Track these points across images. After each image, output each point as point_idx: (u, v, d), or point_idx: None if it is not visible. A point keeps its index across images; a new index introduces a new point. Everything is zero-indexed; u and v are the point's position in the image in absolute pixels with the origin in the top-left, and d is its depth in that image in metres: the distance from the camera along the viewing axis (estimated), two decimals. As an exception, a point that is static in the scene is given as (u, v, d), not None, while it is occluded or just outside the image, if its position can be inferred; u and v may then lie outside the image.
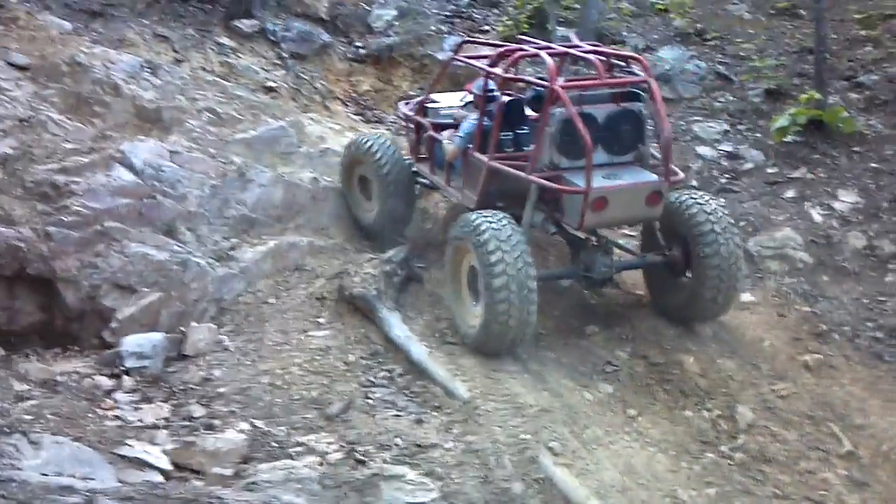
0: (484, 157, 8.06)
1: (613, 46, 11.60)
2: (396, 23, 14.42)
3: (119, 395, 7.31)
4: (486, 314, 7.52)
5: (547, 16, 13.94)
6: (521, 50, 8.37)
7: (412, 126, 9.60)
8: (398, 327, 8.10)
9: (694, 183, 10.66)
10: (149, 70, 10.96)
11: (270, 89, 12.23)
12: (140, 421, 6.95)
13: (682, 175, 8.27)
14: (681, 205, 8.14)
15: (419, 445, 6.85)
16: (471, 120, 8.44)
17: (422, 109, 9.44)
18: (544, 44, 8.81)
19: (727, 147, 11.19)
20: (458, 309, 8.12)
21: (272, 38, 13.69)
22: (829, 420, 7.85)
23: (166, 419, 7.02)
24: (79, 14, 12.47)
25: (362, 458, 6.57)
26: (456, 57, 9.37)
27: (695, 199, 8.18)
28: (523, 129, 8.43)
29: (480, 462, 6.76)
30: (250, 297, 8.77)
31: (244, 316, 8.53)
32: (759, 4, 14.25)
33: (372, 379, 7.66)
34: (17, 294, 8.20)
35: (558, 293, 8.89)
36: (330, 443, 6.79)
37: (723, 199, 9.63)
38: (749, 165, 10.89)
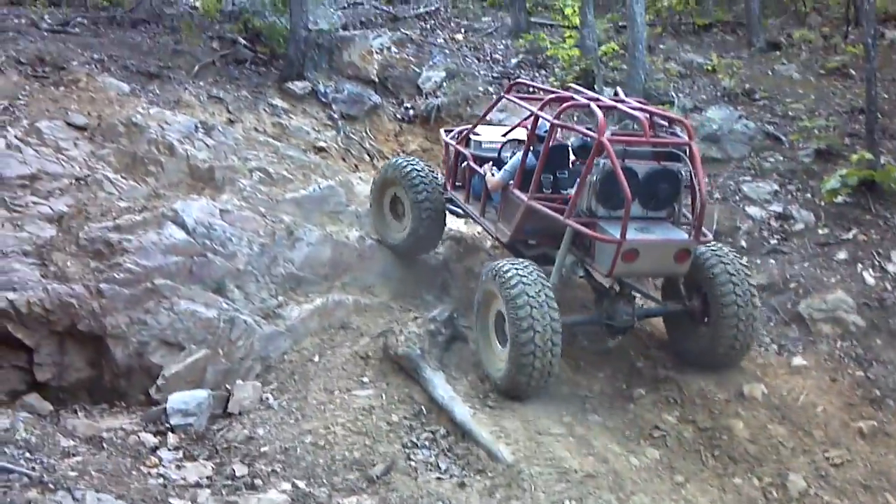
0: (524, 196, 8.32)
1: (660, 106, 11.59)
2: (445, 84, 14.66)
3: (163, 453, 7.36)
4: (511, 358, 7.75)
5: (594, 76, 14.04)
6: (573, 99, 8.58)
7: (452, 154, 9.87)
8: (442, 387, 8.05)
9: (743, 244, 10.54)
10: (203, 130, 11.25)
11: (321, 149, 12.46)
12: (183, 479, 6.97)
13: (710, 236, 8.43)
14: (700, 257, 8.37)
15: (461, 510, 6.77)
16: (517, 155, 8.73)
17: (465, 140, 9.77)
18: (593, 95, 8.95)
19: (777, 207, 11.04)
20: (485, 351, 8.32)
21: (323, 99, 14.03)
22: (885, 489, 7.57)
23: (209, 478, 7.03)
24: (137, 76, 12.90)
25: (404, 522, 6.52)
26: (507, 96, 9.59)
27: (714, 251, 8.45)
28: (563, 174, 8.66)
29: (524, 528, 6.66)
30: (295, 356, 8.81)
31: (289, 374, 8.56)
32: (809, 65, 14.22)
33: (415, 440, 7.60)
34: (67, 349, 8.33)
35: (603, 353, 8.80)
36: (371, 505, 6.74)
37: (767, 260, 9.51)
38: (800, 226, 10.73)
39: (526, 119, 9.29)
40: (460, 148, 9.68)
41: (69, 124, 10.69)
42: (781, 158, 11.89)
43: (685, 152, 7.98)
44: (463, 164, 9.65)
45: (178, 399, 7.85)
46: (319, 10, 16.99)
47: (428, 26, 18.04)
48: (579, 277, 8.90)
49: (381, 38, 16.40)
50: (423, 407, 7.99)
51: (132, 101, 11.80)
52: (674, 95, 13.33)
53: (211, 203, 9.75)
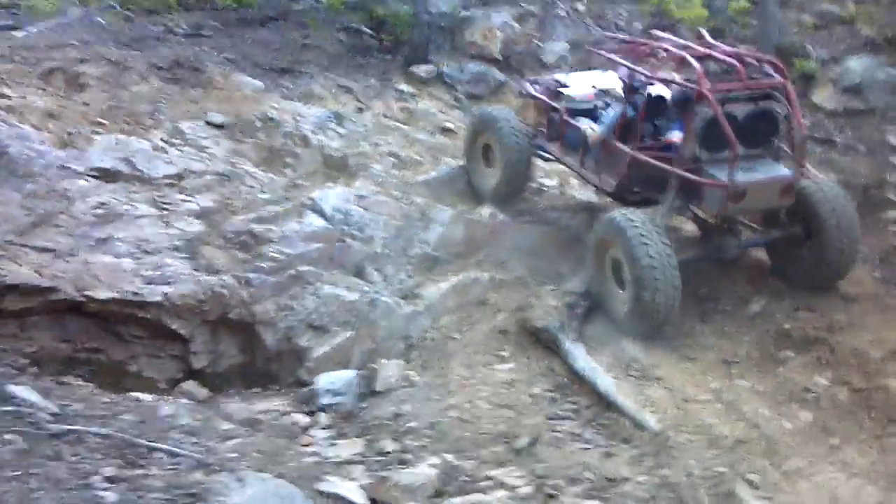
0: (627, 148, 8.70)
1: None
2: (568, 55, 14.47)
3: (315, 432, 7.59)
4: (635, 300, 8.16)
5: (724, 35, 13.59)
6: (667, 51, 8.93)
7: (543, 108, 10.28)
8: (583, 359, 8.02)
9: (891, 196, 10.04)
10: (335, 120, 11.52)
11: (448, 130, 12.52)
12: (336, 456, 7.17)
13: (811, 170, 8.88)
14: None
15: (610, 479, 6.70)
16: (615, 109, 9.11)
17: (555, 93, 10.16)
18: (682, 42, 9.25)
19: (927, 157, 10.50)
20: (604, 297, 8.70)
21: (448, 81, 14.10)
22: None
23: (361, 454, 7.21)
24: (269, 72, 13.30)
25: (553, 492, 6.50)
26: (595, 49, 10.15)
27: (810, 179, 8.79)
28: (661, 121, 8.97)
29: (675, 496, 6.53)
30: (435, 333, 8.93)
31: (430, 351, 8.68)
32: (955, 5, 13.36)
33: (558, 412, 7.59)
34: (220, 338, 8.72)
35: (749, 318, 8.57)
36: (519, 476, 6.76)
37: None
38: (952, 175, 10.16)
39: (614, 70, 9.78)
40: (553, 103, 10.07)
41: (209, 123, 11.14)
42: (930, 105, 11.28)
43: (781, 91, 8.37)
44: (555, 117, 10.03)
45: (326, 380, 8.07)
46: (440, -7, 17.09)
47: (548, -1, 17.83)
48: (688, 218, 9.45)
49: (502, 15, 16.32)
50: (564, 379, 7.98)
51: (266, 96, 12.18)
52: (809, 48, 12.77)
53: (346, 190, 10.01)
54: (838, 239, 8.57)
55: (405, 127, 12.42)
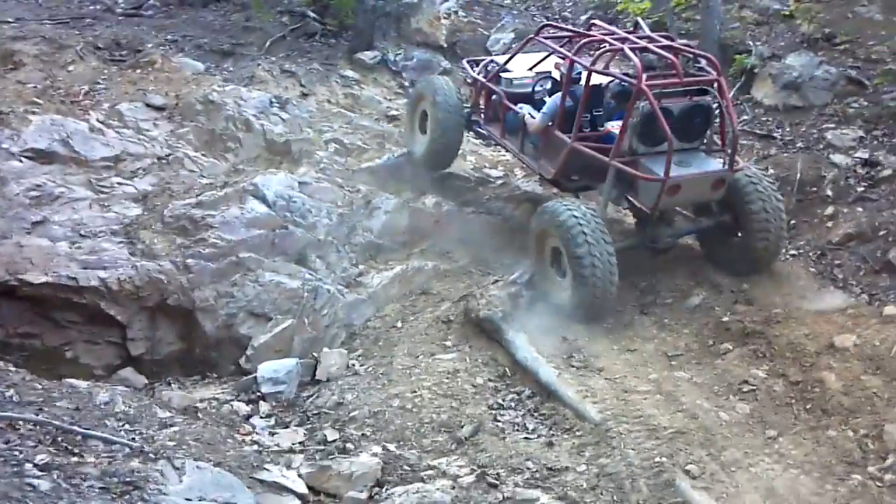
0: (567, 138, 8.82)
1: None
2: (514, 45, 14.46)
3: (256, 421, 7.55)
4: (576, 288, 8.33)
5: (667, 29, 13.73)
6: (605, 41, 9.05)
7: (482, 90, 10.39)
8: (525, 349, 8.06)
9: (828, 193, 10.26)
10: (278, 105, 11.38)
11: (393, 118, 12.44)
12: (277, 445, 7.14)
13: (742, 164, 9.00)
14: None
15: (551, 469, 6.78)
16: (555, 99, 9.18)
17: (495, 77, 10.19)
18: (621, 33, 9.36)
19: (863, 154, 10.67)
20: (543, 280, 8.86)
21: (393, 67, 14.02)
22: None
23: (301, 443, 7.20)
24: (210, 54, 13.07)
25: (494, 481, 6.56)
26: (538, 38, 9.85)
27: (738, 168, 8.83)
28: (598, 111, 9.13)
29: (615, 486, 6.63)
30: (378, 322, 8.92)
31: (373, 340, 8.67)
32: (892, 5, 13.62)
33: (500, 401, 7.64)
34: (159, 324, 8.59)
35: (688, 310, 8.70)
36: (461, 466, 6.80)
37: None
38: (887, 172, 10.34)
39: (552, 54, 9.73)
40: (492, 86, 10.13)
41: (148, 105, 10.92)
42: (866, 104, 11.47)
43: (714, 87, 8.59)
44: (494, 99, 10.15)
45: (267, 368, 8.03)
46: (385, -23, 16.97)
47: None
48: (623, 208, 9.71)
49: (449, 2, 16.26)
50: (506, 369, 8.02)
51: (207, 79, 11.98)
52: (750, 44, 12.96)
53: (289, 176, 9.90)
54: (766, 228, 8.85)
55: (350, 113, 12.30)
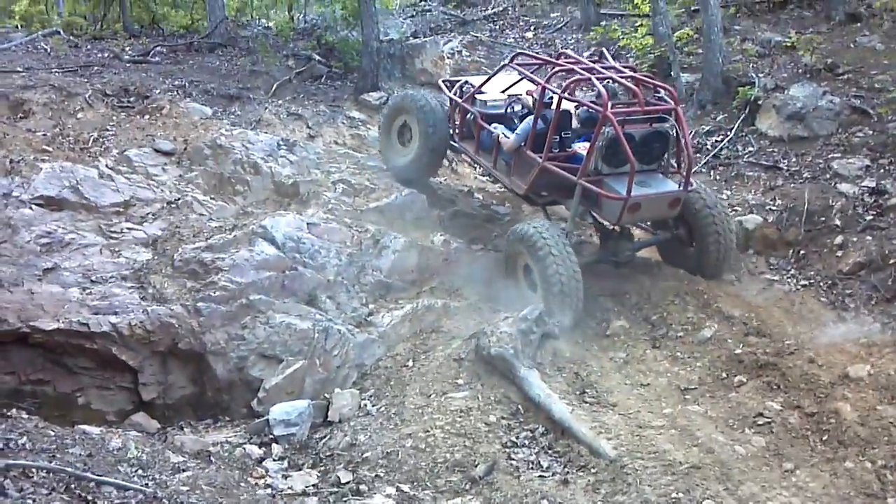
0: (538, 157, 9.60)
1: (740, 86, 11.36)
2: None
3: (269, 464, 7.50)
4: (545, 296, 9.06)
5: (669, 64, 13.84)
6: (574, 72, 9.84)
7: (458, 110, 11.00)
8: (538, 386, 8.02)
9: (837, 222, 10.26)
10: (285, 147, 11.47)
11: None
12: (290, 488, 7.09)
13: (695, 185, 9.74)
14: None
15: (567, 507, 6.73)
16: (528, 121, 9.91)
17: (471, 98, 10.85)
18: (588, 64, 10.08)
19: (870, 183, 10.71)
20: (520, 300, 9.37)
21: (399, 107, 14.02)
22: None
23: (315, 486, 7.15)
24: (218, 99, 13.21)
25: (510, 520, 6.50)
26: (512, 65, 10.74)
27: (692, 189, 9.61)
28: (567, 134, 9.96)
29: (631, 523, 6.57)
30: (390, 361, 8.89)
31: (385, 380, 8.64)
32: (893, 35, 13.72)
33: (514, 439, 7.59)
34: (170, 368, 8.56)
35: (700, 343, 8.67)
36: (476, 506, 6.75)
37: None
38: (895, 200, 10.38)
39: (523, 78, 10.68)
40: (469, 107, 10.79)
41: (157, 150, 11.01)
42: (871, 132, 11.54)
43: (672, 115, 9.37)
44: (469, 118, 10.80)
45: (279, 410, 7.99)
46: (389, 20, 17.20)
47: (497, 27, 18.05)
48: (588, 223, 10.63)
49: (452, 42, 16.46)
50: (519, 406, 7.96)
51: (215, 123, 12.08)
52: (753, 76, 13.05)
53: (298, 217, 9.92)
54: (717, 241, 9.79)
55: (357, 154, 12.40)
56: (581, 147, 9.63)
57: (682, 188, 9.36)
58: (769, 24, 15.40)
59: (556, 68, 10.19)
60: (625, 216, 9.21)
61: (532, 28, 17.72)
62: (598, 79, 9.45)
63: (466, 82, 11.38)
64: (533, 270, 9.32)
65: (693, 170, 9.62)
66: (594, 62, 10.21)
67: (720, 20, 13.49)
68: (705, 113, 13.13)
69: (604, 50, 11.34)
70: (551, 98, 9.75)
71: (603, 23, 16.76)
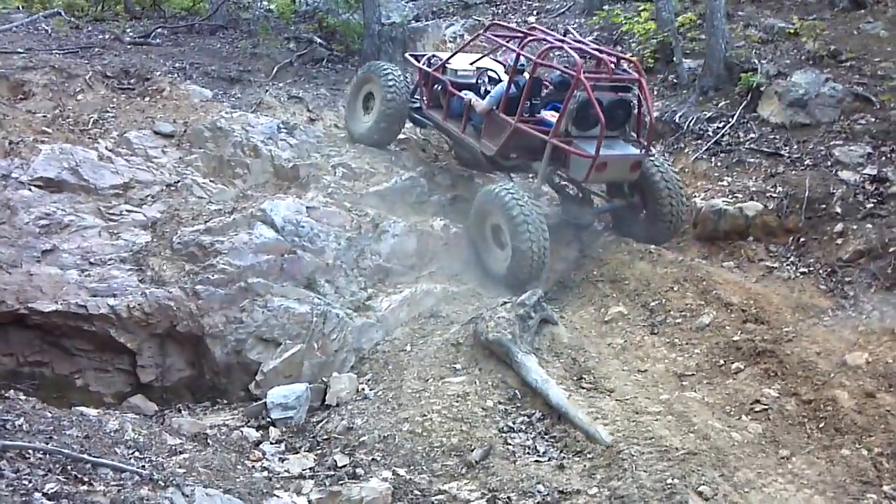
0: (510, 119, 10.13)
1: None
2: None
3: (266, 447, 7.53)
4: (515, 259, 9.62)
5: (672, 49, 13.77)
6: (548, 42, 10.54)
7: (427, 79, 11.56)
8: (535, 371, 8.03)
9: (837, 209, 10.24)
10: (285, 131, 11.43)
11: (401, 141, 12.49)
12: (287, 471, 7.11)
13: (654, 152, 10.70)
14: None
15: (562, 492, 6.72)
16: (501, 86, 10.47)
17: (442, 68, 11.47)
18: (559, 36, 10.94)
19: (871, 170, 10.66)
20: (485, 255, 10.16)
21: (400, 91, 13.98)
22: None
23: (312, 469, 7.16)
24: (218, 81, 13.18)
25: (505, 505, 6.51)
26: (489, 34, 11.44)
27: (650, 159, 10.39)
28: (537, 100, 10.55)
29: (626, 508, 6.58)
30: (388, 346, 8.90)
31: (383, 364, 8.65)
32: (896, 21, 13.64)
33: (511, 424, 7.60)
34: (168, 351, 8.59)
35: (698, 329, 8.66)
36: (472, 490, 6.76)
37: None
38: (896, 188, 10.35)
39: (493, 50, 11.74)
40: (439, 75, 11.40)
41: (157, 133, 10.98)
42: (873, 120, 11.46)
43: (637, 85, 10.09)
44: (437, 87, 11.43)
45: (277, 393, 8.01)
46: (391, 3, 17.13)
47: (500, 11, 17.95)
48: (555, 183, 11.23)
49: (454, 26, 16.40)
50: (517, 391, 7.98)
51: (215, 106, 12.05)
52: (756, 62, 12.97)
53: (297, 201, 9.91)
54: (669, 205, 10.43)
55: (357, 138, 12.35)
56: (549, 115, 10.33)
57: (643, 152, 10.10)
58: (772, 9, 15.29)
59: (529, 38, 10.97)
60: (592, 174, 9.84)
61: (535, 12, 17.62)
62: (570, 48, 10.25)
63: (434, 55, 12.07)
64: (503, 230, 9.78)
65: (652, 138, 10.45)
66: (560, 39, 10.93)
67: (724, 5, 13.39)
68: (707, 99, 13.06)
69: (569, 28, 12.74)
70: (523, 65, 10.39)
71: (605, 7, 16.65)
